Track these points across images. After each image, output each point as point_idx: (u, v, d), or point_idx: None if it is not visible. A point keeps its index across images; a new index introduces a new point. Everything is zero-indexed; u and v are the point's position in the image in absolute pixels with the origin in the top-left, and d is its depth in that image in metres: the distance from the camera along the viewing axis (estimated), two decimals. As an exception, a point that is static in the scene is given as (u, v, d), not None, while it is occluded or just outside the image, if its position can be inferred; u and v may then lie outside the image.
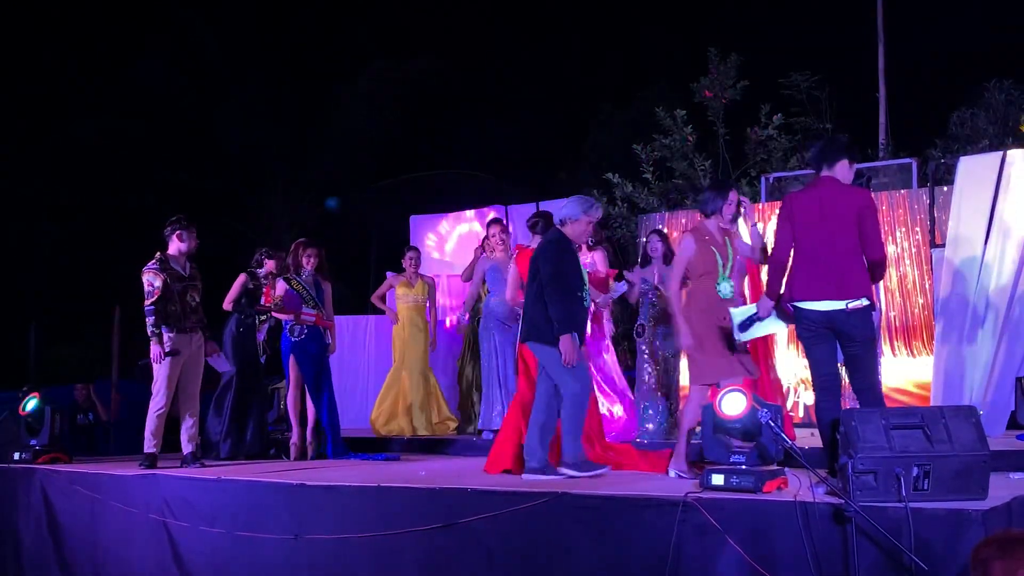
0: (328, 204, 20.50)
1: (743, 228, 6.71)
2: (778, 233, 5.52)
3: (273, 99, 20.65)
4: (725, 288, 5.92)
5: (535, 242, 7.15)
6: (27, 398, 8.17)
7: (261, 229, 18.87)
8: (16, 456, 7.80)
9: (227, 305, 8.47)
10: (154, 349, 7.42)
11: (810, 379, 6.23)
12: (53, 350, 19.05)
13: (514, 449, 6.43)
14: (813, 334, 5.35)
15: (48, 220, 20.45)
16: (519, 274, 7.19)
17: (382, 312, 10.22)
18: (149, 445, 7.46)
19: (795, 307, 5.37)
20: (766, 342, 7.97)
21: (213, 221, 19.50)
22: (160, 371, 7.45)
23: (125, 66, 20.42)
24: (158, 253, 7.67)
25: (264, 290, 8.39)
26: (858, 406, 5.24)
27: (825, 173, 5.49)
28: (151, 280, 7.51)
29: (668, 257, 8.40)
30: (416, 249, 10.09)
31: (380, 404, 9.73)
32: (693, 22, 19.20)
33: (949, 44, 17.70)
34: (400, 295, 9.65)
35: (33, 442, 7.91)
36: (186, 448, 7.60)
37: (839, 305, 5.23)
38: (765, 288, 5.79)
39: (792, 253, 5.47)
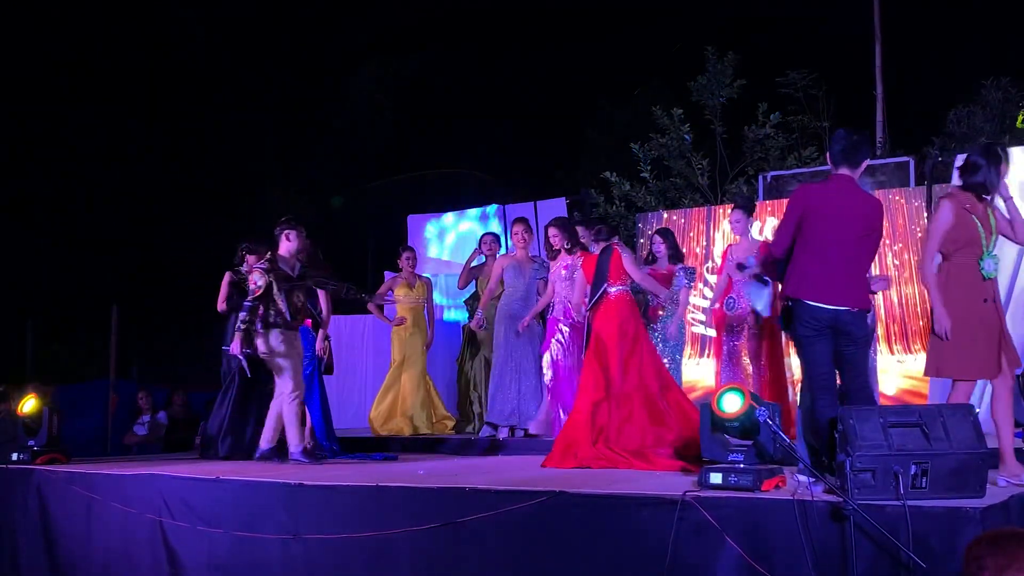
0: (334, 202, 20.54)
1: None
2: (785, 226, 5.38)
3: (271, 98, 20.65)
4: (989, 265, 5.33)
5: (597, 248, 7.68)
6: (26, 399, 8.17)
7: (259, 228, 18.83)
8: (14, 456, 7.78)
9: (220, 307, 8.47)
10: (234, 345, 7.52)
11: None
12: (49, 348, 19.04)
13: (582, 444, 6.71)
14: (816, 332, 5.21)
15: (45, 218, 20.44)
16: (585, 279, 7.64)
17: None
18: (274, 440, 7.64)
19: (798, 303, 5.25)
20: (772, 339, 7.94)
21: (210, 221, 19.55)
22: (285, 363, 7.56)
23: (122, 64, 20.41)
24: (268, 253, 7.68)
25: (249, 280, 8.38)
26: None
27: (844, 171, 5.33)
28: (256, 279, 7.54)
29: (674, 257, 8.45)
30: (412, 249, 10.10)
31: (379, 403, 9.73)
32: (690, 20, 19.17)
33: (946, 41, 17.71)
34: (398, 296, 9.65)
35: (31, 443, 7.89)
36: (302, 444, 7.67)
37: (846, 305, 5.20)
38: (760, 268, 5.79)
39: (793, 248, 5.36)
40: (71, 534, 7.02)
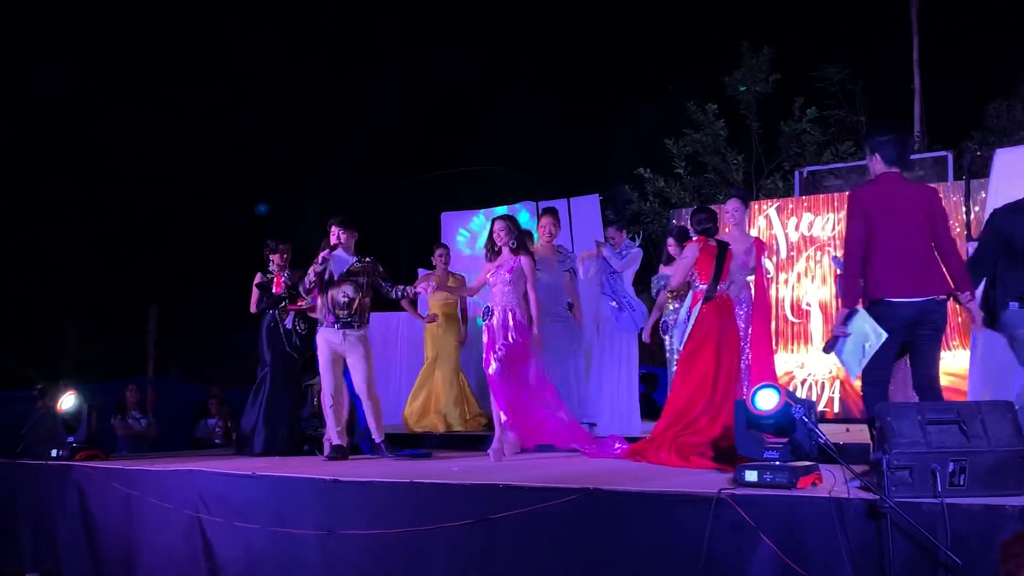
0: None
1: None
2: (854, 231, 5.39)
3: (302, 95, 20.75)
4: None
5: (697, 239, 7.11)
6: (65, 395, 8.29)
7: (290, 226, 18.98)
8: (54, 453, 7.89)
9: (252, 309, 8.57)
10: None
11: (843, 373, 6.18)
12: (89, 347, 19.27)
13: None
14: (891, 329, 5.28)
15: (85, 218, 20.66)
16: (695, 270, 7.00)
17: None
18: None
19: (881, 303, 5.31)
20: (770, 339, 7.88)
21: (242, 218, 19.71)
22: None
23: (159, 63, 20.59)
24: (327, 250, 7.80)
25: (275, 279, 8.46)
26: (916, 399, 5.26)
27: (893, 170, 5.43)
28: (309, 273, 7.70)
29: None
30: (446, 246, 10.10)
31: (413, 400, 9.76)
32: (724, 14, 19.05)
33: (985, 34, 17.48)
34: (430, 294, 9.65)
35: (70, 439, 8.00)
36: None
37: (929, 295, 5.28)
38: (840, 295, 5.60)
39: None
40: (111, 529, 7.11)
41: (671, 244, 8.31)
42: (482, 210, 12.46)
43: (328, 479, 6.04)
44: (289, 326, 8.53)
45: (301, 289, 8.01)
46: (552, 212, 8.86)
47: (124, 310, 18.26)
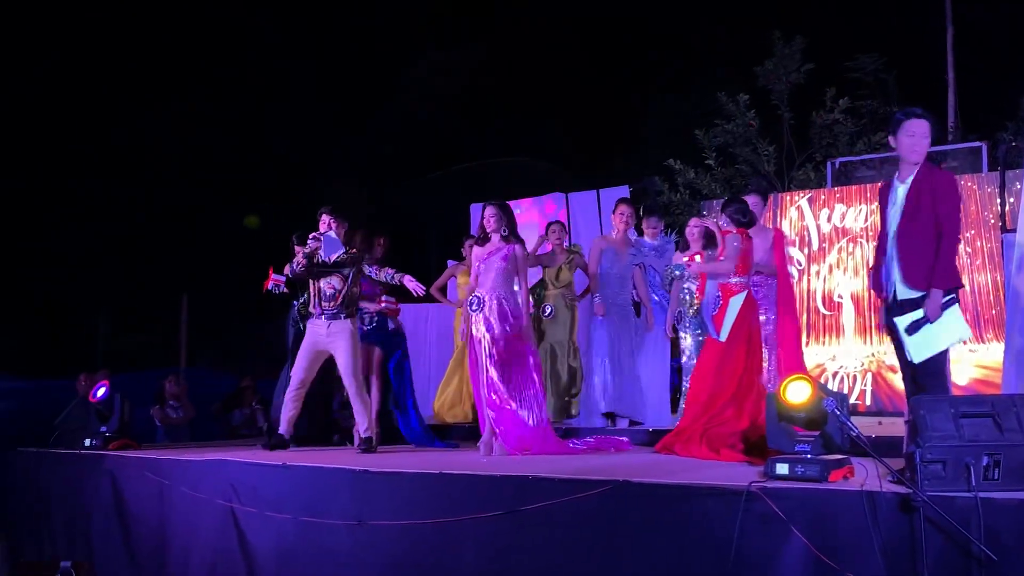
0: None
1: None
2: (955, 214, 5.25)
3: (330, 88, 20.81)
4: None
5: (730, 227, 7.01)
6: (98, 386, 8.36)
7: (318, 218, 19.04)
8: (87, 443, 7.96)
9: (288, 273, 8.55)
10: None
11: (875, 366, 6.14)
12: (121, 338, 19.45)
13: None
14: None
15: (117, 209, 20.84)
16: (742, 260, 6.89)
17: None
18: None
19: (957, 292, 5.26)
20: (798, 332, 7.81)
21: (269, 211, 19.79)
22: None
23: (187, 54, 20.71)
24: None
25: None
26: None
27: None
28: (298, 256, 7.82)
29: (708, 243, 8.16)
30: (475, 238, 10.08)
31: (443, 390, 9.77)
32: (756, 4, 18.90)
33: (1020, 24, 17.25)
34: (461, 284, 9.67)
35: (103, 429, 8.07)
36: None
37: None
38: (933, 276, 5.18)
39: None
40: (145, 518, 7.16)
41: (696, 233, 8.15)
42: (511, 202, 12.44)
43: (358, 469, 6.06)
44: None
45: (288, 272, 7.99)
46: (629, 202, 8.75)
47: (156, 301, 18.42)
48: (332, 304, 7.68)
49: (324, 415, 8.58)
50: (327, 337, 7.64)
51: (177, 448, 8.19)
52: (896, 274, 5.28)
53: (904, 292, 5.25)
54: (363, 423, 7.64)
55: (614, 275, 8.62)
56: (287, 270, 7.99)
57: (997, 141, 11.25)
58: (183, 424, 11.74)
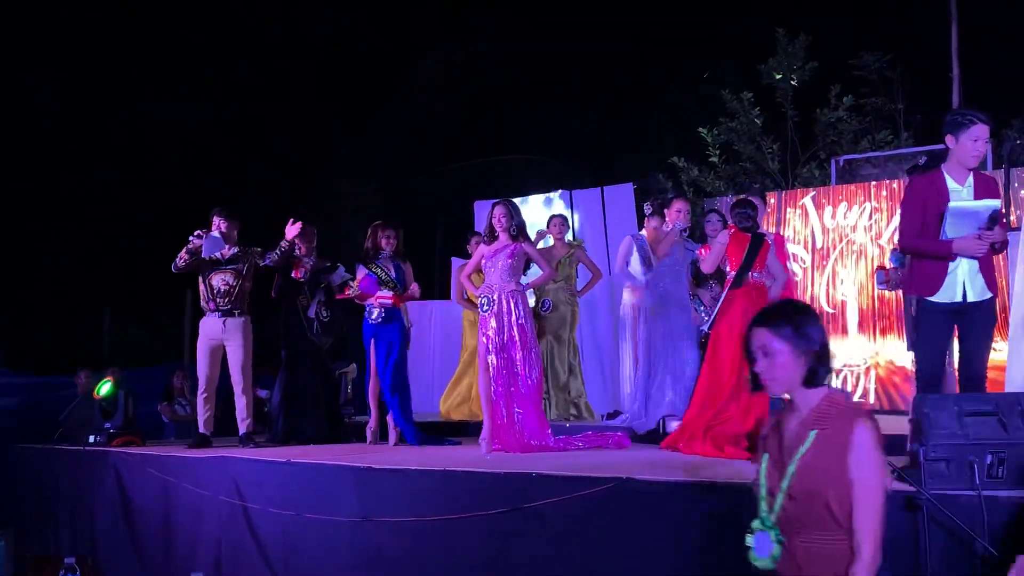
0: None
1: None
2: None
3: (337, 83, 20.80)
4: None
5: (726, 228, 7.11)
6: (102, 382, 8.36)
7: (325, 213, 19.07)
8: (91, 439, 7.98)
9: (274, 294, 8.57)
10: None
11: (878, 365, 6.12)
12: (126, 333, 19.44)
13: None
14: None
15: (121, 203, 20.84)
16: (727, 258, 6.91)
17: (446, 298, 10.18)
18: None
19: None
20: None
21: (277, 206, 19.77)
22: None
23: (194, 49, 20.72)
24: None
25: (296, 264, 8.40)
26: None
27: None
28: (182, 252, 7.93)
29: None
30: (480, 235, 10.07)
31: (452, 389, 9.77)
32: (760, 2, 18.87)
33: (1025, 21, 17.21)
34: (476, 282, 9.63)
35: (107, 425, 8.09)
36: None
37: None
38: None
39: None
40: (150, 513, 7.19)
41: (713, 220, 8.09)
42: (516, 199, 12.44)
43: (362, 466, 6.07)
44: (312, 314, 8.43)
45: (173, 267, 8.09)
46: (685, 199, 8.63)
47: (161, 296, 18.41)
48: (226, 300, 7.80)
49: (325, 413, 8.49)
50: (223, 334, 7.78)
51: (184, 445, 8.17)
52: (980, 279, 5.12)
53: (979, 295, 5.14)
54: (246, 418, 7.82)
55: (674, 273, 8.24)
56: (172, 265, 8.07)
57: (1002, 139, 11.21)
58: (192, 420, 11.71)
